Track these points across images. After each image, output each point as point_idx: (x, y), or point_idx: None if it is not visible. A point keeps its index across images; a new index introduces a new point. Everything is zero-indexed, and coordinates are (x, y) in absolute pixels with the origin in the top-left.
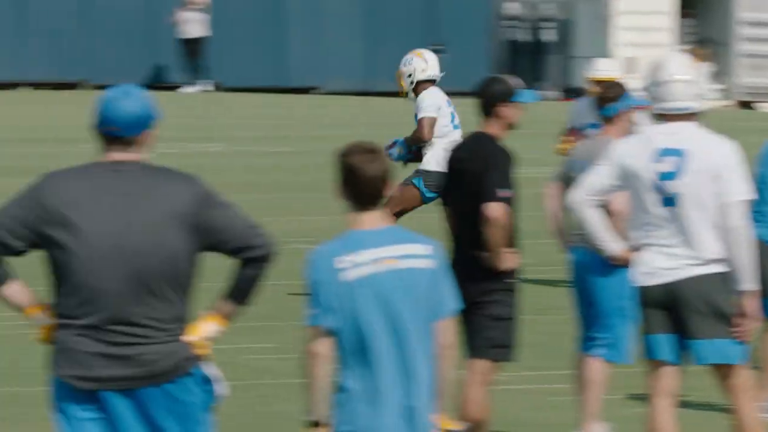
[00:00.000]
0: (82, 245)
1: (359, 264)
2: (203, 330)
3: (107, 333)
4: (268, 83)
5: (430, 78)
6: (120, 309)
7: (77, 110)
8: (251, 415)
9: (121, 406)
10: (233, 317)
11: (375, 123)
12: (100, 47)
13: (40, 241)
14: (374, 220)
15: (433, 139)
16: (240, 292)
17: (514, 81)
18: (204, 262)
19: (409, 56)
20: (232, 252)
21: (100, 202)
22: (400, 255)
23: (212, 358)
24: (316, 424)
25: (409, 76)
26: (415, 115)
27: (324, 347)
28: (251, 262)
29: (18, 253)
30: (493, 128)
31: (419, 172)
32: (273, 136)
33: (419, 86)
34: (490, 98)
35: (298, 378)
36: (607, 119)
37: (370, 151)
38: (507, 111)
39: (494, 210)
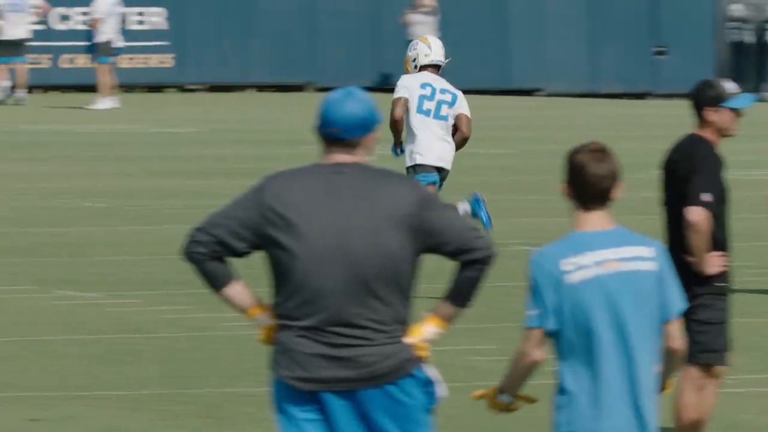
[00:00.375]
0: (304, 246)
1: (583, 266)
2: (423, 332)
3: (328, 334)
4: (491, 85)
5: (433, 63)
6: (340, 310)
7: (301, 112)
8: (472, 417)
9: (340, 407)
10: (453, 319)
11: (598, 125)
12: (325, 49)
13: (261, 242)
14: (600, 221)
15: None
16: (460, 295)
17: (728, 85)
18: (424, 264)
19: (415, 41)
20: (452, 254)
21: (321, 204)
22: (624, 257)
23: (432, 359)
24: (510, 402)
25: (414, 60)
26: None
27: (539, 350)
28: (471, 264)
29: (240, 254)
30: (705, 132)
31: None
32: (495, 138)
33: (422, 71)
34: (698, 102)
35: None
36: None
37: (599, 150)
38: (715, 116)
39: (695, 214)
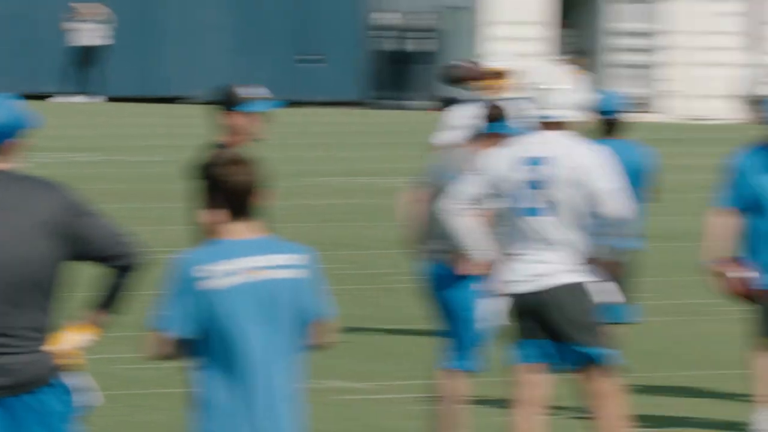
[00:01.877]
0: None
1: (221, 274)
2: (69, 339)
3: None
4: (139, 93)
5: None
6: None
7: None
8: (121, 425)
9: None
10: (104, 326)
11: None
12: None
13: None
14: (242, 229)
15: None
16: (108, 301)
17: (246, 90)
18: (77, 271)
19: None
20: (101, 260)
21: None
22: (265, 266)
23: (82, 367)
24: None
25: None
26: None
27: (168, 349)
28: (120, 270)
29: None
30: (225, 136)
31: None
32: (143, 146)
33: None
34: (218, 106)
35: (167, 388)
36: (483, 135)
37: (236, 161)
38: (229, 120)
39: None
